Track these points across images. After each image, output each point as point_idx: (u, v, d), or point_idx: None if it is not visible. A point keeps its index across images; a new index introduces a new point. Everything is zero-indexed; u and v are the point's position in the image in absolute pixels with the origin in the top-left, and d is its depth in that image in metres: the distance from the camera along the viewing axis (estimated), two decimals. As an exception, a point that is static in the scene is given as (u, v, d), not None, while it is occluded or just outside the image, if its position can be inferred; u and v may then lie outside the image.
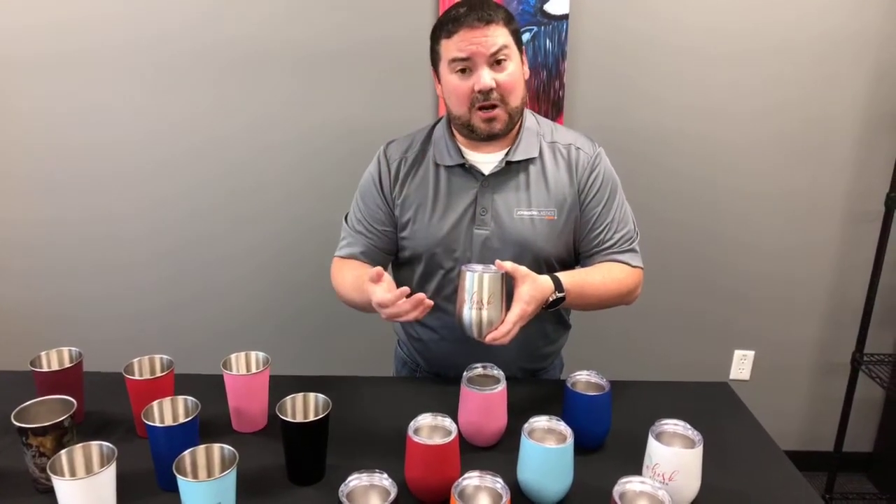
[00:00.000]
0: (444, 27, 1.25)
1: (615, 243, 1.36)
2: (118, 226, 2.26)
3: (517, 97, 1.28)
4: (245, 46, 2.10)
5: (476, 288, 1.15)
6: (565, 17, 2.06)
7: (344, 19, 2.08)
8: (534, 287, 1.17)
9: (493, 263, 1.18)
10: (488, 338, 1.15)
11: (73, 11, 2.06)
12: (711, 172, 2.24)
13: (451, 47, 1.24)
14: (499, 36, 1.22)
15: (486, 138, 1.30)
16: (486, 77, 1.23)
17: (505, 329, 1.14)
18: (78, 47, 2.09)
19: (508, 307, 1.16)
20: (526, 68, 1.32)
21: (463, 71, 1.25)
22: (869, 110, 2.18)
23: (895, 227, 2.17)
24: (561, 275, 1.25)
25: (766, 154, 2.22)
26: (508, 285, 1.17)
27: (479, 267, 1.18)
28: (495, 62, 1.23)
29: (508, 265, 1.16)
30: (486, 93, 1.23)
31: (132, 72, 2.12)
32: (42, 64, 2.11)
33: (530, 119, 1.37)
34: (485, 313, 1.15)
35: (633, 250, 1.38)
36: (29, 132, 2.17)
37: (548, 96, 2.13)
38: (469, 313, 1.16)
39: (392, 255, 1.44)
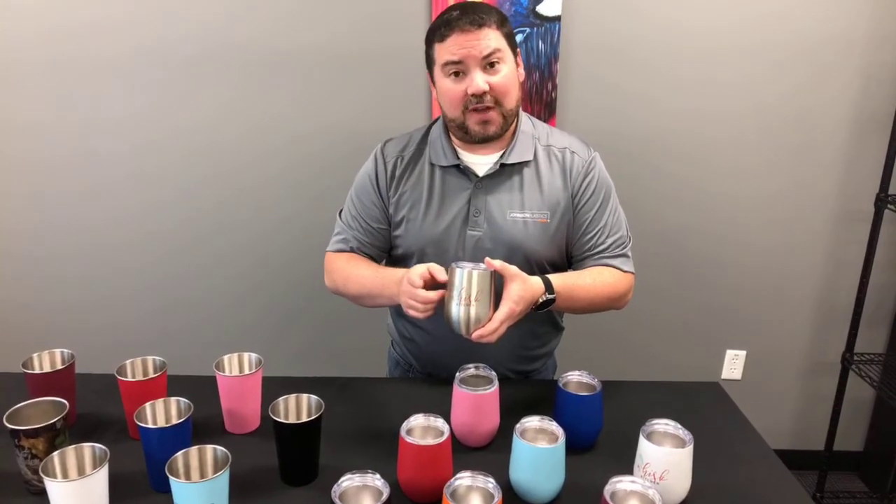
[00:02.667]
0: (437, 31, 1.25)
1: (607, 248, 1.36)
2: (111, 229, 2.26)
3: (511, 99, 1.28)
4: (239, 52, 2.10)
5: (465, 284, 1.15)
6: (557, 18, 2.06)
7: (338, 24, 2.08)
8: (523, 287, 1.18)
9: (483, 260, 1.18)
10: (475, 335, 1.15)
11: (64, 19, 2.06)
12: (702, 173, 2.25)
13: (444, 51, 1.24)
14: (491, 39, 1.22)
15: (480, 141, 1.30)
16: (478, 80, 1.23)
17: (492, 327, 1.15)
18: (70, 55, 2.08)
19: (497, 306, 1.17)
20: (521, 70, 1.32)
21: (456, 74, 1.25)
22: (858, 110, 2.20)
23: (885, 227, 2.19)
24: (551, 276, 1.26)
25: (756, 155, 2.23)
26: (498, 284, 1.18)
27: (468, 264, 1.18)
28: (488, 65, 1.24)
29: (497, 263, 1.16)
30: (480, 96, 1.24)
31: (122, 79, 2.12)
32: (34, 72, 2.10)
33: (526, 122, 1.37)
34: (472, 310, 1.15)
35: (625, 255, 1.38)
36: (21, 140, 2.16)
37: (540, 97, 2.14)
38: (457, 309, 1.16)
39: (385, 252, 1.45)
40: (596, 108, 2.18)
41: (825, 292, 2.39)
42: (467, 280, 1.14)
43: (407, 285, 1.19)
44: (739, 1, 2.08)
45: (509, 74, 1.26)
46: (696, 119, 2.20)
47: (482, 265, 1.17)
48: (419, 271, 1.19)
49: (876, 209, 2.17)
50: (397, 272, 1.28)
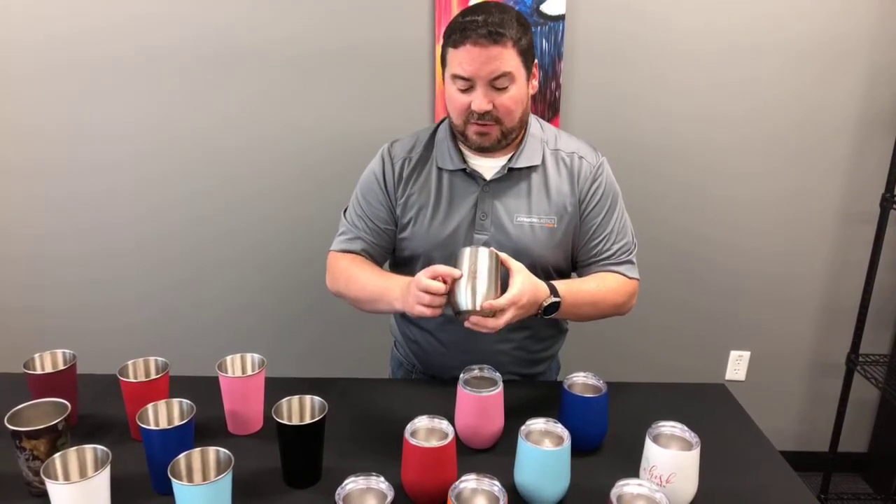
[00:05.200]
0: (453, 34, 1.22)
1: (613, 254, 1.35)
2: (114, 231, 2.25)
3: (514, 118, 1.26)
4: (242, 55, 2.09)
5: (473, 262, 1.14)
6: (562, 17, 2.05)
7: (341, 20, 2.07)
8: (528, 279, 1.17)
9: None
10: (486, 305, 1.11)
11: (76, 21, 2.05)
12: (706, 173, 2.24)
13: (455, 61, 1.22)
14: (504, 59, 1.19)
15: (477, 149, 1.30)
16: (481, 101, 1.21)
17: (501, 302, 1.11)
18: (71, 58, 2.07)
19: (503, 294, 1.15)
20: (535, 81, 1.30)
21: (463, 86, 1.23)
22: (864, 111, 2.18)
23: (890, 227, 2.18)
24: (556, 283, 1.25)
25: (761, 155, 2.22)
26: (504, 277, 1.17)
27: (476, 246, 1.18)
28: (496, 85, 1.22)
29: (502, 255, 1.17)
30: (482, 114, 1.23)
31: (126, 83, 2.11)
32: (36, 75, 2.09)
33: (535, 126, 1.36)
34: (479, 284, 1.13)
35: (630, 262, 1.38)
36: (25, 143, 2.16)
37: (544, 97, 2.13)
38: (464, 285, 1.13)
39: (390, 252, 1.44)
40: (599, 107, 2.17)
41: (830, 293, 2.38)
42: (475, 256, 1.15)
43: (419, 278, 1.16)
44: (745, 0, 2.08)
45: (516, 95, 1.23)
46: (700, 119, 2.18)
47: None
48: (432, 270, 1.16)
49: (881, 210, 2.16)
50: (401, 279, 1.27)
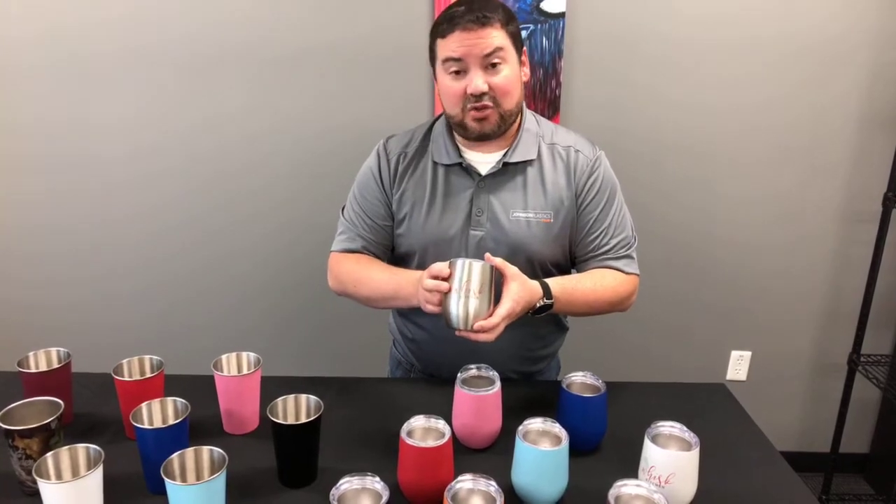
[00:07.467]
0: (440, 26, 1.24)
1: (611, 249, 1.34)
2: (111, 228, 2.25)
3: (511, 100, 1.26)
4: (241, 54, 2.08)
5: (465, 277, 1.12)
6: (562, 15, 2.04)
7: (341, 18, 2.07)
8: (523, 287, 1.16)
9: (483, 257, 1.16)
10: (477, 326, 1.12)
11: (72, 17, 2.04)
12: (708, 172, 2.23)
13: (445, 47, 1.22)
14: (494, 38, 1.20)
15: (477, 138, 1.28)
16: (477, 81, 1.21)
17: (494, 321, 1.12)
18: (72, 54, 2.07)
19: (496, 303, 1.15)
20: (526, 69, 1.30)
21: (457, 72, 1.23)
22: (866, 109, 2.17)
23: (892, 227, 2.17)
24: (551, 281, 1.24)
25: (763, 154, 2.21)
26: (497, 283, 1.16)
27: (469, 259, 1.16)
28: (490, 65, 1.22)
29: (498, 261, 1.15)
30: (478, 96, 1.22)
31: (124, 79, 2.10)
32: (36, 71, 2.09)
33: (530, 120, 1.35)
34: (472, 302, 1.12)
35: (629, 256, 1.36)
36: (25, 139, 2.15)
37: (544, 95, 2.12)
38: (456, 301, 1.13)
39: (390, 249, 1.43)
40: (600, 105, 2.16)
41: (831, 293, 2.37)
42: (468, 271, 1.13)
43: (424, 281, 1.17)
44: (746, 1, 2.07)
45: (510, 75, 1.24)
46: (702, 118, 2.17)
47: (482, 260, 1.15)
48: (439, 266, 1.16)
49: (884, 209, 2.14)
50: (413, 273, 1.27)
